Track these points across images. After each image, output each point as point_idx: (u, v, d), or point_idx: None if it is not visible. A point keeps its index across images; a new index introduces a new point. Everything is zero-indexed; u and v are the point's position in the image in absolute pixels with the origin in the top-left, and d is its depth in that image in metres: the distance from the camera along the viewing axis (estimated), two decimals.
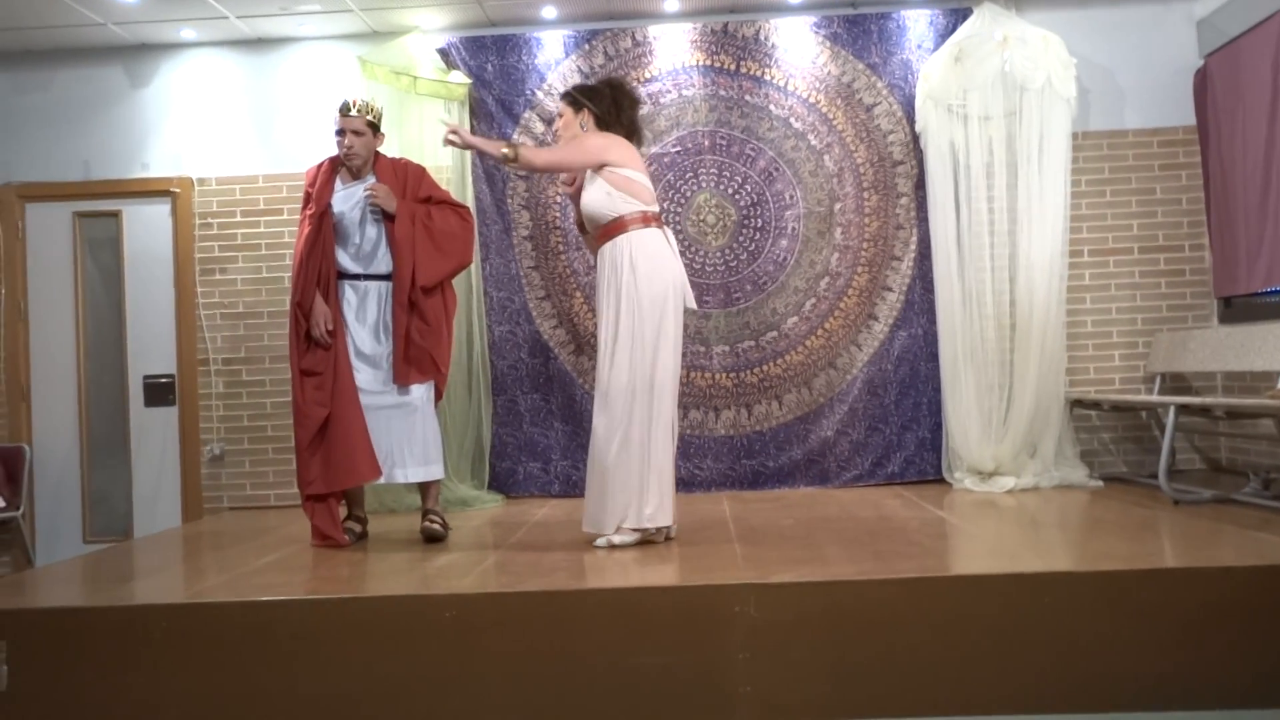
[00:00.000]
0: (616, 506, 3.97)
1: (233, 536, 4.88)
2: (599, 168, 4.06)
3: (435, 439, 4.50)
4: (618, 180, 4.03)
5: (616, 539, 3.99)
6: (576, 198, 4.23)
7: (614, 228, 4.04)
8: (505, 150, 4.07)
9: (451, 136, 4.17)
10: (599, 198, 4.05)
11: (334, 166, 4.54)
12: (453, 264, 4.52)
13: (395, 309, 4.42)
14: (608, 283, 4.05)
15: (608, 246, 4.06)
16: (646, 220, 4.06)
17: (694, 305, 4.16)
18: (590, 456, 4.06)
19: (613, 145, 4.10)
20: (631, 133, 4.21)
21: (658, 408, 3.99)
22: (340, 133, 4.44)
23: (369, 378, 4.43)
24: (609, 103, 4.17)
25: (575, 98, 4.24)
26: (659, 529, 4.03)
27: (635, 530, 3.98)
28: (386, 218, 4.42)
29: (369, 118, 4.47)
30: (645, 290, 3.97)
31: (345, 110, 4.44)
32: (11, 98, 6.19)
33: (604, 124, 4.17)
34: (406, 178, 4.53)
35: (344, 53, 6.03)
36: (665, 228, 4.16)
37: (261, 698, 3.11)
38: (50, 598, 3.62)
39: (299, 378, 4.37)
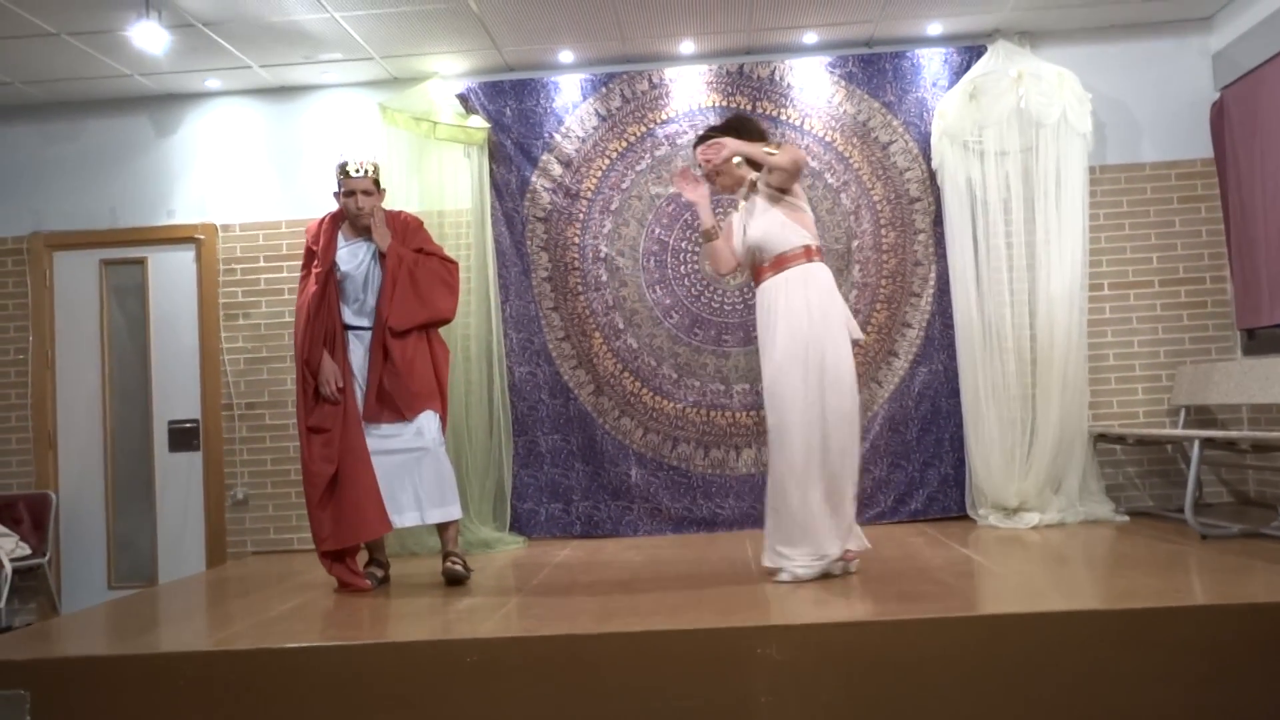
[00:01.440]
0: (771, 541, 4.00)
1: (257, 581, 4.90)
2: (782, 194, 4.03)
3: (450, 479, 4.49)
4: (794, 213, 4.03)
5: (796, 571, 3.94)
6: (713, 237, 4.24)
7: (784, 260, 4.00)
8: (768, 149, 4.00)
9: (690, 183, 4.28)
10: (774, 229, 4.02)
11: (335, 223, 4.58)
12: (427, 314, 4.51)
13: (373, 345, 4.46)
14: (773, 316, 4.00)
15: (777, 279, 4.01)
16: (816, 254, 4.04)
17: (860, 335, 4.13)
18: None
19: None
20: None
21: (840, 442, 3.93)
22: (350, 194, 4.48)
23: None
24: (747, 134, 4.16)
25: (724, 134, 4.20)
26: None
27: (810, 564, 3.93)
28: (379, 254, 4.48)
29: (374, 176, 4.52)
30: (818, 323, 3.92)
31: (352, 172, 4.48)
32: (41, 148, 6.31)
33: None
34: (405, 231, 4.58)
35: (365, 99, 6.12)
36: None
37: None
38: (74, 647, 3.62)
39: (306, 435, 4.40)
